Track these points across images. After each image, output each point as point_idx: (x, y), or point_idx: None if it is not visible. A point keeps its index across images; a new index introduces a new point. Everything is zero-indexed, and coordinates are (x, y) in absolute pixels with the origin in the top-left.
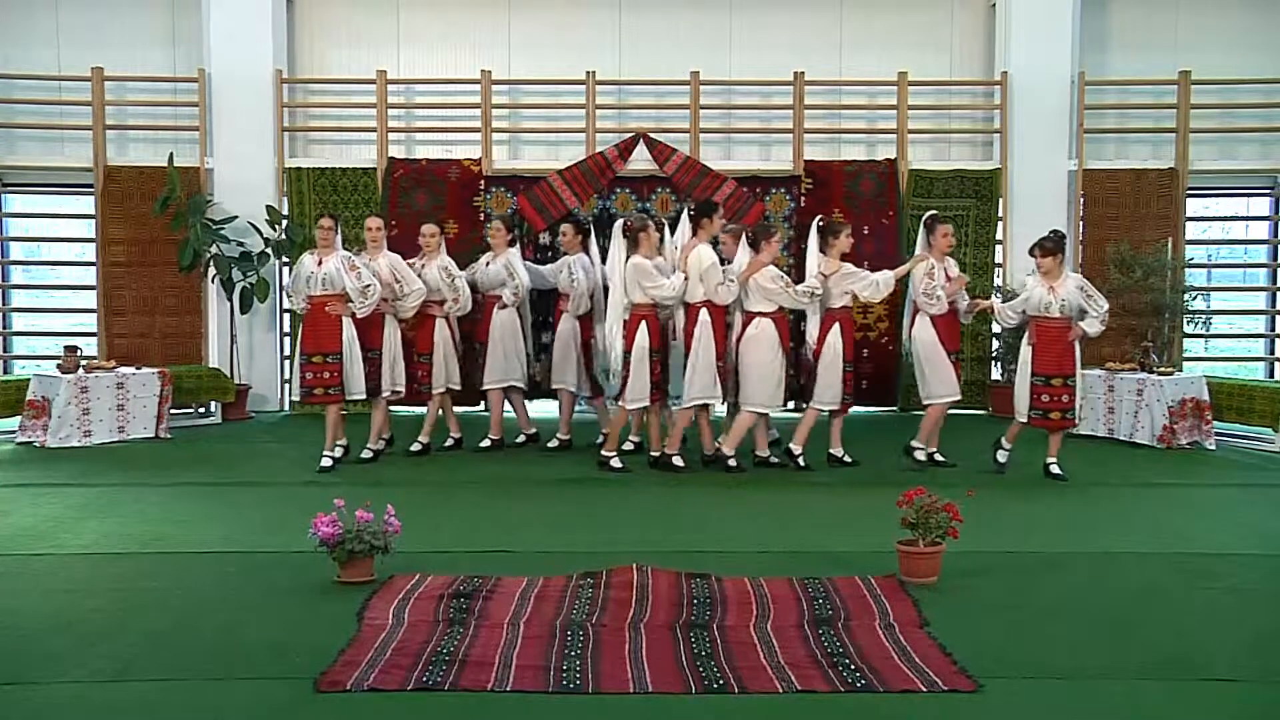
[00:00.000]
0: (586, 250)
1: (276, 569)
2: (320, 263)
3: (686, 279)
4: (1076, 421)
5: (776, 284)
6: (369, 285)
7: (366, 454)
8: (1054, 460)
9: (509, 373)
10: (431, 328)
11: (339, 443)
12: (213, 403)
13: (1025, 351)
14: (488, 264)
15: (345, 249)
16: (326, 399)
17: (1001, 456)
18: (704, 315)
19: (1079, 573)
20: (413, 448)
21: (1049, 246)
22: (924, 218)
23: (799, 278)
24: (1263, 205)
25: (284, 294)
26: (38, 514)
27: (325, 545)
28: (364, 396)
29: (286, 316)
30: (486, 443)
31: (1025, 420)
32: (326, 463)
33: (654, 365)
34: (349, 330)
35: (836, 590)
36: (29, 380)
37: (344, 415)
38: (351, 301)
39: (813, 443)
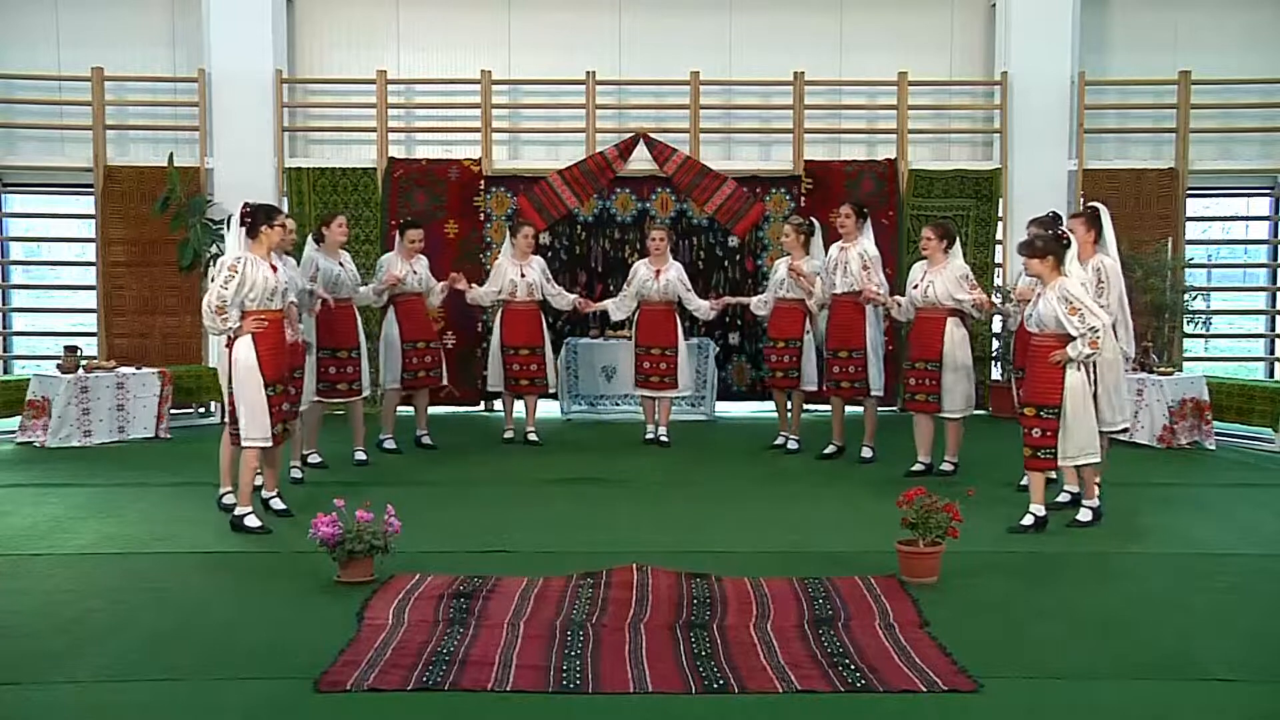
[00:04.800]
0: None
1: (276, 569)
2: (275, 269)
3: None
4: (1056, 462)
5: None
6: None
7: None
8: (1036, 508)
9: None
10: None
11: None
12: (213, 403)
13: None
14: (521, 273)
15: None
16: (287, 425)
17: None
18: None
19: (1079, 573)
20: (387, 444)
21: (1038, 247)
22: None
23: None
24: (1263, 205)
25: (210, 309)
26: (38, 514)
27: (325, 545)
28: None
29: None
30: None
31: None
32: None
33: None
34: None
35: (836, 590)
36: (29, 380)
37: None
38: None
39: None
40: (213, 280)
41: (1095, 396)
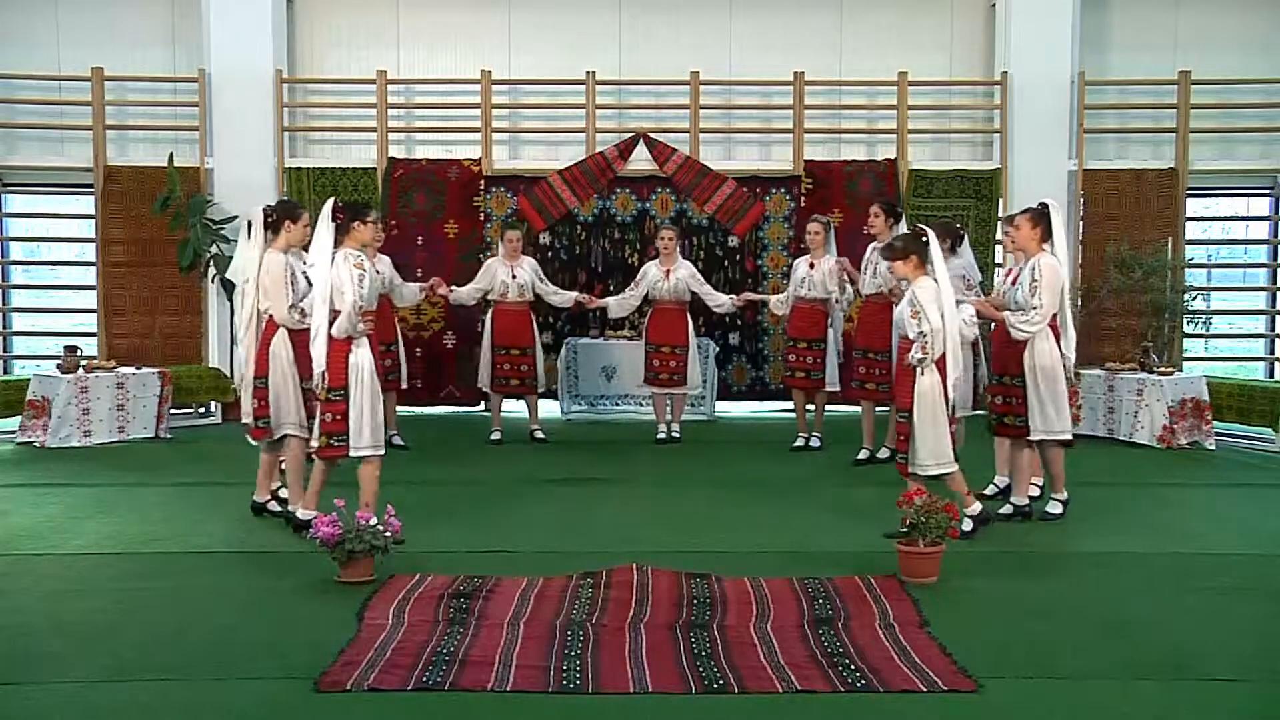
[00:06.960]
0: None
1: (276, 569)
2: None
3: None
4: (904, 463)
5: None
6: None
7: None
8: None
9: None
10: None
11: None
12: (213, 403)
13: None
14: (513, 274)
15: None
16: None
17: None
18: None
19: (1079, 573)
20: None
21: (897, 248)
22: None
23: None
24: (1263, 205)
25: (354, 311)
26: (38, 514)
27: (325, 545)
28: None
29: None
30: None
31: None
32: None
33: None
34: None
35: (836, 590)
36: (29, 380)
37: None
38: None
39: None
40: (248, 281)
41: (1027, 404)
